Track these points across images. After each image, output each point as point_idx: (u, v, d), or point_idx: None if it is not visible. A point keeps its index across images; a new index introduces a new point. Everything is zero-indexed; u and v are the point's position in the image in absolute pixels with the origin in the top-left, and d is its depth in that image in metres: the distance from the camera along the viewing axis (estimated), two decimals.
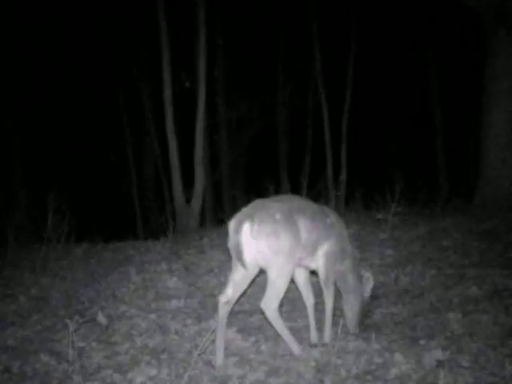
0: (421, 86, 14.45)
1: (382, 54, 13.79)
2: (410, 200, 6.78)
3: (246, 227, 2.97)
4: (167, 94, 8.62)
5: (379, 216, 5.90)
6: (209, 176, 12.76)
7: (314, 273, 3.51)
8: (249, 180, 14.80)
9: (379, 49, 13.63)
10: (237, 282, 3.15)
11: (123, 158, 14.15)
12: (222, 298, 3.13)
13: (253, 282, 3.30)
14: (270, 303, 3.01)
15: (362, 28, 11.99)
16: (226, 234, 3.22)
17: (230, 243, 3.11)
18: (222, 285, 4.60)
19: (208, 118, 11.01)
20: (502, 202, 6.26)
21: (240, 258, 3.00)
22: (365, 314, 3.59)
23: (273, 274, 3.01)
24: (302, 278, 3.47)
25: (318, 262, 3.32)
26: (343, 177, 10.01)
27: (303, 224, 3.11)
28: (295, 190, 8.04)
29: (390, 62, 14.01)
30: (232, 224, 3.10)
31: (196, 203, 8.53)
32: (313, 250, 3.24)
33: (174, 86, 8.97)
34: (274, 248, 2.96)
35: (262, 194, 6.85)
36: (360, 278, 3.51)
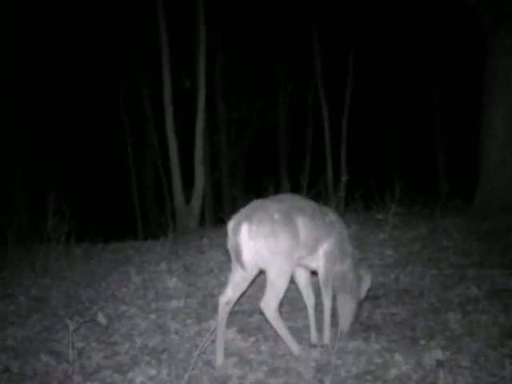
0: (421, 86, 14.46)
1: (382, 53, 13.78)
2: (410, 200, 6.77)
3: (245, 228, 2.97)
4: (167, 94, 8.62)
5: (379, 216, 5.90)
6: (209, 176, 12.76)
7: (314, 273, 3.51)
8: (249, 180, 14.79)
9: (379, 49, 13.62)
10: (237, 282, 3.15)
11: (123, 158, 14.15)
12: (223, 299, 3.13)
13: (253, 282, 3.30)
14: (270, 303, 3.01)
15: (362, 28, 12.00)
16: (225, 235, 3.22)
17: (229, 244, 3.11)
18: (222, 285, 4.60)
19: (208, 118, 11.00)
20: (502, 202, 6.26)
21: (239, 259, 3.00)
22: (358, 314, 3.59)
23: (272, 274, 3.01)
24: (302, 279, 3.47)
25: (318, 262, 3.32)
26: (345, 178, 9.98)
27: (302, 223, 3.10)
28: (295, 190, 8.03)
29: (390, 62, 14.01)
30: (231, 225, 3.10)
31: (196, 203, 8.53)
32: (313, 249, 3.23)
33: (174, 87, 8.97)
34: (272, 248, 2.96)
35: (261, 194, 6.85)
36: (359, 279, 3.51)
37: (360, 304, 3.55)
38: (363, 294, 3.53)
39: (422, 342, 3.22)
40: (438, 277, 4.40)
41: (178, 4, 11.24)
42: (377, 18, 12.82)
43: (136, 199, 14.07)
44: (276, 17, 13.64)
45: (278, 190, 7.56)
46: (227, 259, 5.25)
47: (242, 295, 3.32)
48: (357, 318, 3.55)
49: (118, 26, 12.88)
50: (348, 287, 3.45)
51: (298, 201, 3.31)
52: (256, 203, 3.18)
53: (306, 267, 3.42)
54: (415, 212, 6.63)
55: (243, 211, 3.12)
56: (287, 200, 3.25)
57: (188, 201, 8.58)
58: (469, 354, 3.02)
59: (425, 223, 5.92)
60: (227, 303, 3.13)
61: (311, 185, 8.19)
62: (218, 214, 9.81)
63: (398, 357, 3.01)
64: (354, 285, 3.46)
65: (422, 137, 15.28)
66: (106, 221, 12.06)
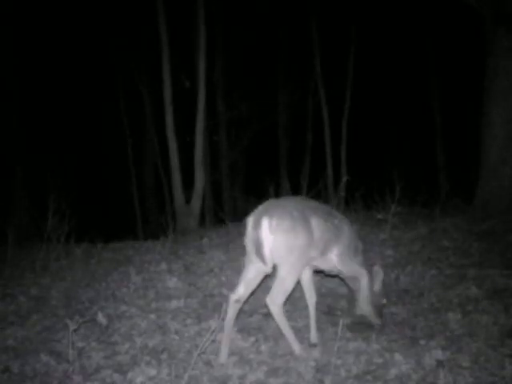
0: (421, 86, 14.46)
1: (382, 54, 13.79)
2: (410, 200, 6.77)
3: (265, 223, 3.01)
4: (167, 94, 8.61)
5: (379, 216, 5.89)
6: (209, 176, 12.76)
7: (315, 272, 3.53)
8: (249, 180, 14.81)
9: (379, 49, 13.63)
10: (249, 279, 3.17)
11: (123, 158, 14.15)
12: (233, 297, 3.15)
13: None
14: (276, 299, 3.03)
15: (362, 28, 12.00)
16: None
17: (248, 239, 3.13)
18: (222, 285, 4.61)
19: (208, 118, 11.00)
20: (502, 202, 6.26)
21: (260, 253, 3.03)
22: (382, 306, 3.60)
23: (284, 271, 3.04)
24: (305, 277, 3.49)
25: (337, 269, 3.38)
26: (346, 177, 9.91)
27: (316, 224, 3.15)
28: (295, 190, 8.03)
29: (390, 62, 14.01)
30: (251, 219, 3.14)
31: (196, 203, 8.52)
32: (324, 251, 3.27)
33: (174, 87, 8.97)
34: (290, 244, 3.00)
35: (261, 194, 6.84)
36: (370, 274, 3.54)
37: (381, 296, 3.57)
38: (377, 286, 3.55)
39: (422, 342, 3.23)
40: (438, 277, 4.40)
41: (178, 4, 11.25)
42: (377, 18, 12.82)
43: (136, 199, 14.08)
44: (276, 17, 13.64)
45: (278, 190, 7.56)
46: (227, 259, 5.25)
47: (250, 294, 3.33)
48: (380, 310, 3.56)
49: (119, 27, 12.89)
50: (359, 284, 3.49)
51: (311, 203, 3.40)
52: (273, 201, 3.26)
53: (316, 267, 3.46)
54: (415, 212, 6.63)
55: (262, 207, 3.17)
56: (302, 201, 3.35)
57: (188, 201, 8.57)
58: (469, 354, 3.02)
59: (425, 223, 5.91)
60: (237, 301, 3.15)
61: (311, 185, 8.20)
62: (218, 214, 9.81)
63: (398, 357, 3.02)
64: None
65: (422, 137, 15.28)
66: (106, 221, 12.06)
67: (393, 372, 2.87)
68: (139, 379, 2.95)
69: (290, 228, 3.01)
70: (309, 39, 12.04)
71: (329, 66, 12.01)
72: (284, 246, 3.00)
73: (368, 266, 3.59)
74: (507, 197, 6.30)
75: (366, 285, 3.43)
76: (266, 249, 3.01)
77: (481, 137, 6.69)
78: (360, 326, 3.54)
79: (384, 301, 3.62)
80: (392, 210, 5.75)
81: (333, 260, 3.34)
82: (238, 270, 4.80)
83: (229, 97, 13.74)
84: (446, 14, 12.21)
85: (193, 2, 8.88)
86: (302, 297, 3.61)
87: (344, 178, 7.71)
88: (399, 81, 14.43)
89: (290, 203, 3.19)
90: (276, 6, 13.29)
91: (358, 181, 7.62)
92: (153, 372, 3.02)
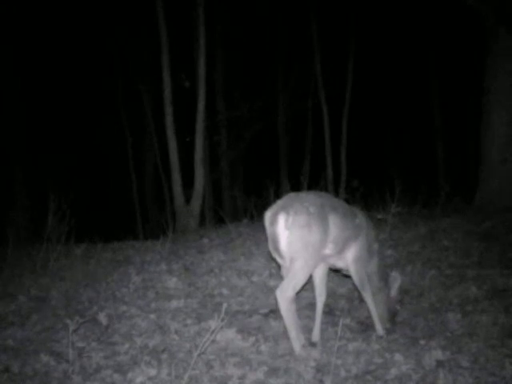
0: (421, 87, 14.47)
1: (382, 54, 13.79)
2: (410, 200, 6.77)
3: (282, 218, 3.03)
4: (167, 94, 8.61)
5: (379, 216, 5.89)
6: (209, 176, 12.76)
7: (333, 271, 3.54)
8: (249, 180, 14.82)
9: (379, 49, 13.63)
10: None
11: (123, 158, 14.16)
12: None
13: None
14: (286, 292, 3.02)
15: (361, 28, 12.01)
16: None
17: (268, 234, 3.17)
18: (222, 285, 4.60)
19: (208, 118, 10.99)
20: (502, 202, 6.26)
21: (277, 249, 3.06)
22: (395, 312, 3.60)
23: (297, 265, 3.03)
24: (319, 274, 3.48)
25: (349, 267, 3.37)
26: (344, 178, 9.88)
27: (333, 221, 3.15)
28: (295, 190, 8.01)
29: (390, 62, 14.01)
30: (268, 215, 3.16)
31: (196, 203, 8.51)
32: (341, 249, 3.27)
33: (174, 86, 8.97)
34: (305, 240, 3.01)
35: (261, 194, 6.84)
36: (385, 279, 3.53)
37: (396, 302, 3.57)
38: (394, 292, 3.54)
39: (422, 342, 3.23)
40: (438, 277, 4.40)
41: (178, 4, 11.25)
42: (377, 18, 12.82)
43: (136, 199, 14.09)
44: (276, 17, 13.65)
45: (278, 190, 7.56)
46: (227, 259, 5.26)
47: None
48: (393, 317, 3.55)
49: (118, 27, 12.89)
50: (374, 288, 3.48)
51: (332, 199, 3.39)
52: (292, 195, 3.26)
53: (331, 265, 3.46)
54: (415, 212, 6.63)
55: (279, 202, 3.19)
56: (322, 197, 3.32)
57: (188, 201, 8.57)
58: (469, 354, 3.02)
59: (425, 223, 5.91)
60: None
61: (311, 185, 8.19)
62: (218, 213, 9.81)
63: (398, 357, 3.01)
64: (380, 286, 3.50)
65: (422, 137, 15.30)
66: (106, 221, 12.07)
67: (393, 372, 2.87)
68: (139, 379, 2.95)
69: (306, 223, 3.00)
70: (309, 39, 12.04)
71: (329, 65, 12.01)
72: (299, 241, 3.00)
73: (384, 267, 3.58)
74: (507, 197, 6.30)
75: (371, 302, 3.41)
76: (283, 244, 3.03)
77: (481, 137, 6.69)
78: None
79: (398, 307, 3.60)
80: (392, 210, 5.75)
81: (348, 259, 3.34)
82: (238, 270, 4.81)
83: (229, 97, 13.74)
84: (446, 14, 12.22)
85: (193, 1, 8.88)
86: (301, 296, 3.61)
87: (354, 183, 7.63)
88: (399, 81, 14.44)
89: (309, 198, 3.17)
90: (276, 5, 13.29)
91: (358, 181, 7.62)
92: (153, 372, 3.01)
